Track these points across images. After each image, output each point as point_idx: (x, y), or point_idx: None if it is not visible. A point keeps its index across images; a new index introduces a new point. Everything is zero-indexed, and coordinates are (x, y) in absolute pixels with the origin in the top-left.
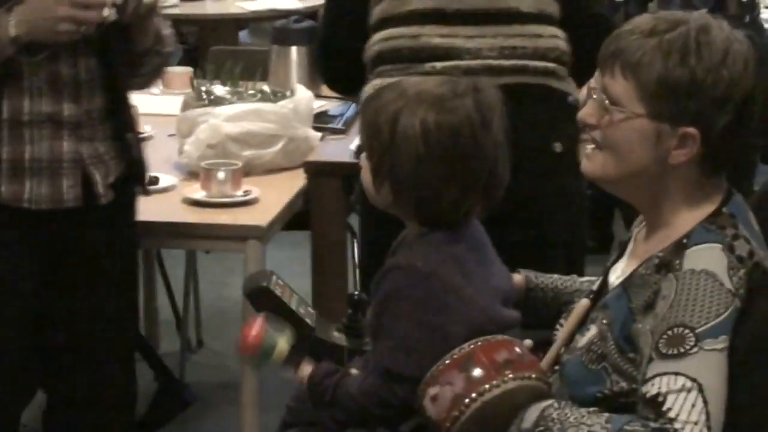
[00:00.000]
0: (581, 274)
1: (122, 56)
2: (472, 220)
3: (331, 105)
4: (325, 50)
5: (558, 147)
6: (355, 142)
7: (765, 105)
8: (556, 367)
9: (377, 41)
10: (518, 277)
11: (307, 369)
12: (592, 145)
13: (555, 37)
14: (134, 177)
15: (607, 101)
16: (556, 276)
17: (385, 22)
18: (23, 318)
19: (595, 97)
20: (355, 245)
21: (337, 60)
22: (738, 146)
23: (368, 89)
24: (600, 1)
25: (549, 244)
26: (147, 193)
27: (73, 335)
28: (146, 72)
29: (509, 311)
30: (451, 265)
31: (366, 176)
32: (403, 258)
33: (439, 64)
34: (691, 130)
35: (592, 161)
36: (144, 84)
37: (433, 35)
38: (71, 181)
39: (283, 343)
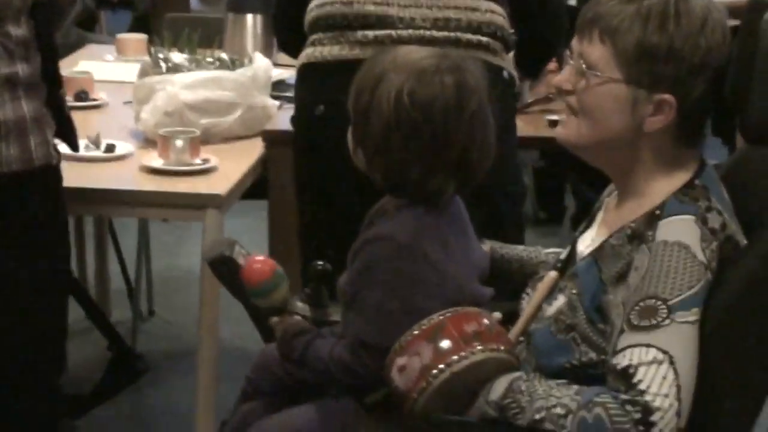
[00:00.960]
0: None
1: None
2: (453, 196)
3: (289, 73)
4: (277, 20)
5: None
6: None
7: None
8: (522, 339)
9: (313, 7)
10: (484, 247)
11: (284, 322)
12: (570, 113)
13: (492, 12)
14: (65, 136)
15: (584, 65)
16: (520, 247)
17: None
18: None
19: (572, 62)
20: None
21: (287, 29)
22: (710, 114)
23: (302, 58)
24: None
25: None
26: (76, 150)
27: None
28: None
29: (484, 288)
30: (432, 239)
31: (350, 134)
32: (384, 228)
33: (371, 33)
34: (668, 96)
35: (566, 127)
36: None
37: (367, 2)
38: (38, 138)
39: (278, 293)
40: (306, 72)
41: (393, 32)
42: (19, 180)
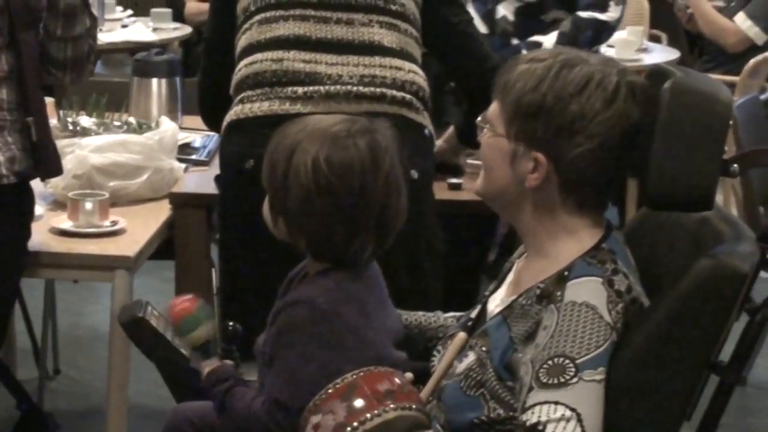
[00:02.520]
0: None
1: (33, 53)
2: (371, 262)
3: (195, 137)
4: (203, 86)
5: (414, 174)
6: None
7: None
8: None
9: (242, 66)
10: None
11: (210, 364)
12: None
13: (414, 73)
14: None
15: (481, 121)
16: (420, 313)
17: (252, 49)
18: None
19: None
20: (213, 274)
21: (212, 98)
22: (597, 181)
23: (230, 115)
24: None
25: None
26: (42, 178)
27: None
28: (79, 35)
29: (399, 353)
30: (353, 305)
31: (265, 208)
32: (305, 293)
33: (300, 89)
34: (539, 155)
35: (477, 179)
36: (78, 66)
37: (296, 60)
38: None
39: (203, 329)
40: (233, 129)
41: (321, 88)
42: None
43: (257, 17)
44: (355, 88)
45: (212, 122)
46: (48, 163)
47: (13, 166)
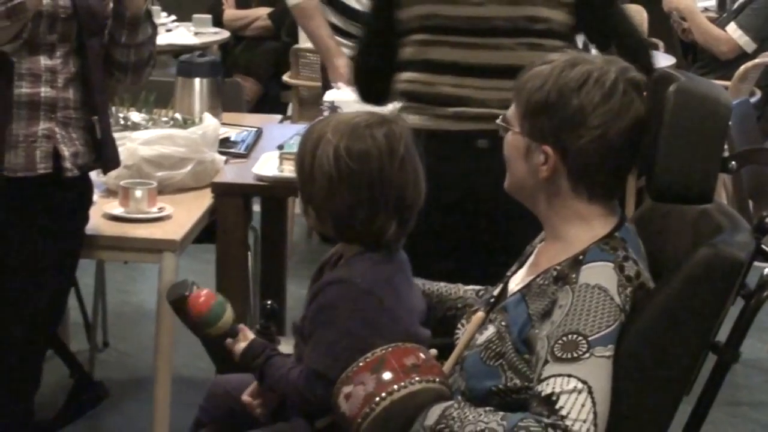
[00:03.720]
0: None
1: (98, 56)
2: (400, 246)
3: (234, 132)
4: (360, 73)
5: None
6: (255, 166)
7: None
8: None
9: (402, 81)
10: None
11: (241, 345)
12: None
13: None
14: (99, 161)
15: (501, 121)
16: (442, 284)
17: (409, 65)
18: None
19: None
20: (250, 257)
21: (369, 81)
22: (603, 170)
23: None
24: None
25: None
26: (104, 172)
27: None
28: (141, 42)
29: (424, 330)
30: (385, 285)
31: (299, 200)
32: (343, 273)
33: (450, 109)
34: (547, 147)
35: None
36: (139, 66)
37: (446, 84)
38: (44, 152)
39: (227, 316)
40: None
41: (469, 110)
42: (21, 185)
43: (416, 37)
44: (497, 111)
45: (368, 96)
46: (109, 158)
47: (77, 161)
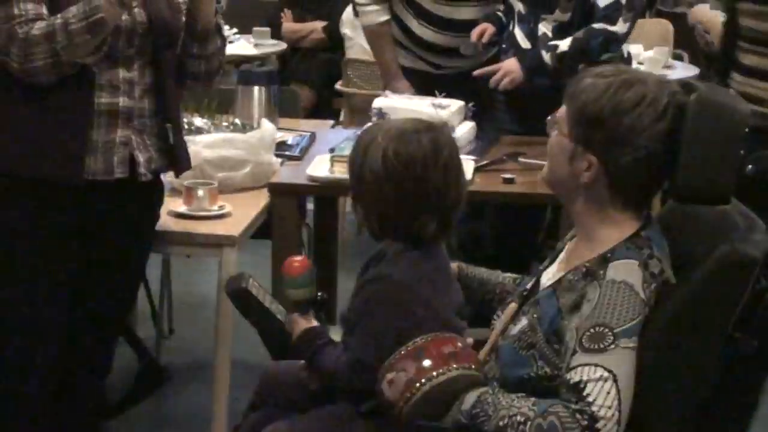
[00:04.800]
0: None
1: (172, 68)
2: (440, 243)
3: (289, 136)
4: None
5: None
6: (309, 168)
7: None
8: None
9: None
10: (453, 265)
11: (301, 323)
12: None
13: None
14: (172, 165)
15: (550, 120)
16: (482, 269)
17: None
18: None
19: None
20: (303, 252)
21: None
22: (641, 184)
23: None
24: None
25: None
26: (176, 175)
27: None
28: (211, 53)
29: (461, 322)
30: (425, 281)
31: (350, 198)
32: (386, 270)
33: None
34: (593, 158)
35: (543, 169)
36: (209, 74)
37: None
38: (121, 158)
39: (305, 291)
40: None
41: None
42: (100, 187)
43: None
44: None
45: None
46: (181, 162)
47: (150, 165)
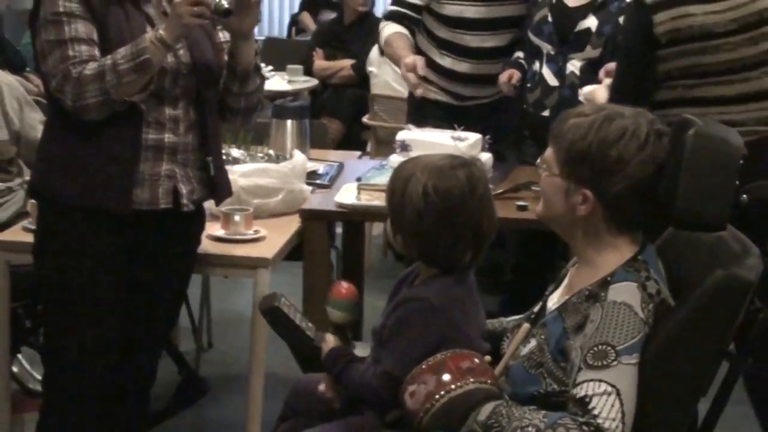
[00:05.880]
0: None
1: (214, 105)
2: (470, 269)
3: (319, 166)
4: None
5: None
6: (337, 195)
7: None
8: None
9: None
10: None
11: (330, 342)
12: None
13: None
14: (212, 195)
15: (540, 162)
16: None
17: (675, 102)
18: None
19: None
20: (332, 273)
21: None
22: (634, 209)
23: None
24: None
25: None
26: (217, 203)
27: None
28: (251, 91)
29: (485, 343)
30: (455, 304)
31: (388, 227)
32: (420, 293)
33: None
34: (587, 191)
35: (538, 206)
36: (249, 110)
37: (707, 114)
38: (166, 189)
39: (347, 315)
40: None
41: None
42: (146, 217)
43: (679, 82)
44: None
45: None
46: (221, 191)
47: (192, 196)
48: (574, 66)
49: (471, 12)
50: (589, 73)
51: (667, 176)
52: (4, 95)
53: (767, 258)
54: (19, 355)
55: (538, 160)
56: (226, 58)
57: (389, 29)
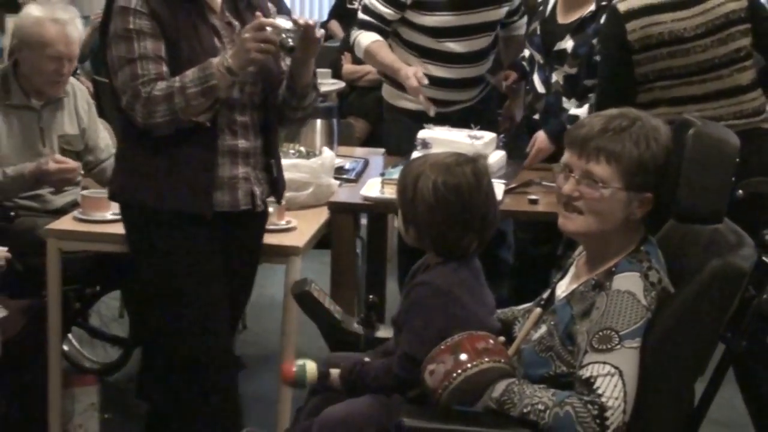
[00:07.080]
0: None
1: (275, 110)
2: (474, 255)
3: (347, 162)
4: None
5: None
6: (362, 189)
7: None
8: (515, 355)
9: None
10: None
11: (335, 373)
12: (573, 211)
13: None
14: (274, 193)
15: (596, 181)
16: (498, 310)
17: (658, 103)
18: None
19: (576, 176)
20: (357, 261)
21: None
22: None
23: None
24: None
25: None
26: (279, 202)
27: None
28: (308, 104)
29: (495, 322)
30: (461, 286)
31: (399, 222)
32: (429, 277)
33: None
34: (649, 195)
35: (573, 222)
36: (304, 118)
37: (691, 111)
38: (245, 191)
39: (311, 369)
40: None
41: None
42: (225, 219)
43: (656, 84)
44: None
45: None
46: (281, 190)
47: (262, 196)
48: (558, 76)
49: (454, 21)
50: (570, 85)
51: (668, 172)
52: (77, 94)
53: (760, 248)
54: (69, 335)
55: (553, 166)
56: (286, 62)
57: (366, 38)
